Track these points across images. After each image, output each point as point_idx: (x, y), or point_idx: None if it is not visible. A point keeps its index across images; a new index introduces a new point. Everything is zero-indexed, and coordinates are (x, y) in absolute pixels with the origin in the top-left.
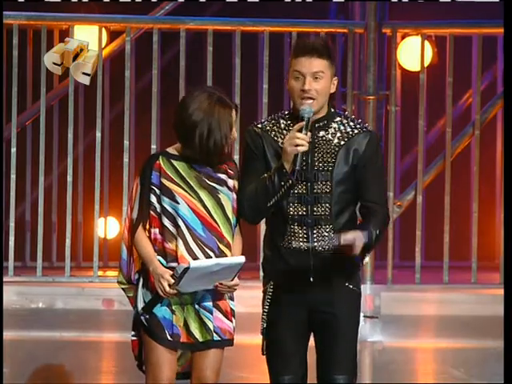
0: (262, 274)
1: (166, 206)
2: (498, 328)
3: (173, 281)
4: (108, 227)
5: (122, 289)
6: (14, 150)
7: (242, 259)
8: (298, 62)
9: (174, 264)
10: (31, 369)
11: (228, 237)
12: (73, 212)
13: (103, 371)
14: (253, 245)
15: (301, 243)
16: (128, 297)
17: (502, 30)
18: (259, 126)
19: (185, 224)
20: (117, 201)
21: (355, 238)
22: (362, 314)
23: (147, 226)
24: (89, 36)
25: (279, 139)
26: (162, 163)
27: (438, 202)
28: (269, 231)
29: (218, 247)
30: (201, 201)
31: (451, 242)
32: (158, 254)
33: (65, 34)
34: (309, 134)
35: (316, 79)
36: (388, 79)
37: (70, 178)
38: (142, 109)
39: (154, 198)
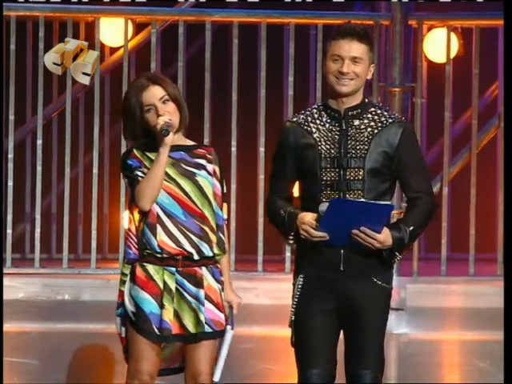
0: (287, 266)
1: None
2: None
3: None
4: None
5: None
6: (39, 142)
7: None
8: (337, 45)
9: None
10: (58, 361)
11: (210, 218)
12: (98, 204)
13: None
14: (278, 238)
15: None
16: (120, 290)
17: None
18: (292, 119)
19: (163, 210)
20: None
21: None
22: None
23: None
24: (114, 28)
25: (312, 129)
26: (137, 154)
27: (464, 193)
28: None
29: (201, 229)
30: (178, 186)
31: (477, 234)
32: (140, 248)
33: (90, 27)
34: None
35: (355, 63)
36: (414, 71)
37: (95, 170)
38: None
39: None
